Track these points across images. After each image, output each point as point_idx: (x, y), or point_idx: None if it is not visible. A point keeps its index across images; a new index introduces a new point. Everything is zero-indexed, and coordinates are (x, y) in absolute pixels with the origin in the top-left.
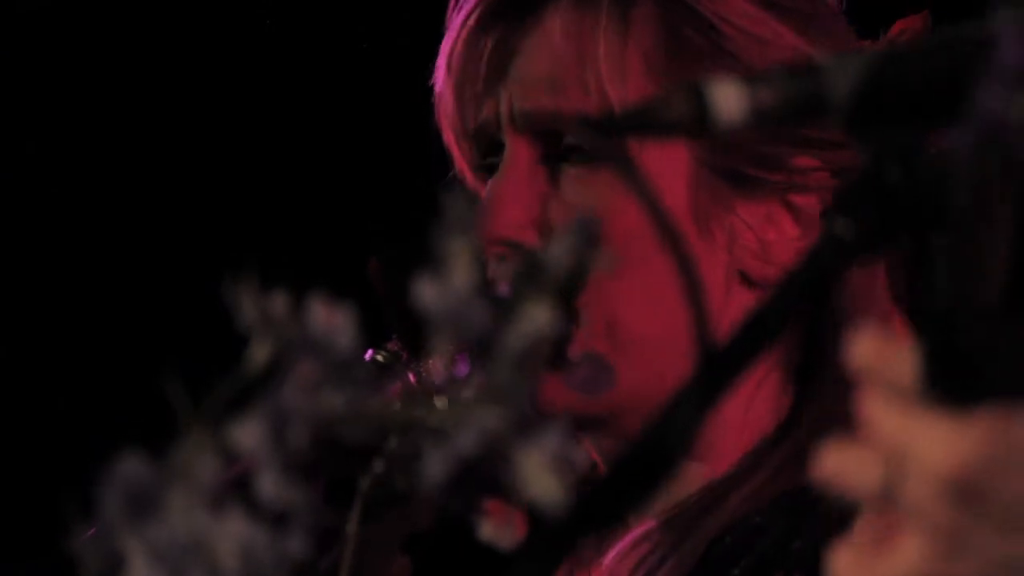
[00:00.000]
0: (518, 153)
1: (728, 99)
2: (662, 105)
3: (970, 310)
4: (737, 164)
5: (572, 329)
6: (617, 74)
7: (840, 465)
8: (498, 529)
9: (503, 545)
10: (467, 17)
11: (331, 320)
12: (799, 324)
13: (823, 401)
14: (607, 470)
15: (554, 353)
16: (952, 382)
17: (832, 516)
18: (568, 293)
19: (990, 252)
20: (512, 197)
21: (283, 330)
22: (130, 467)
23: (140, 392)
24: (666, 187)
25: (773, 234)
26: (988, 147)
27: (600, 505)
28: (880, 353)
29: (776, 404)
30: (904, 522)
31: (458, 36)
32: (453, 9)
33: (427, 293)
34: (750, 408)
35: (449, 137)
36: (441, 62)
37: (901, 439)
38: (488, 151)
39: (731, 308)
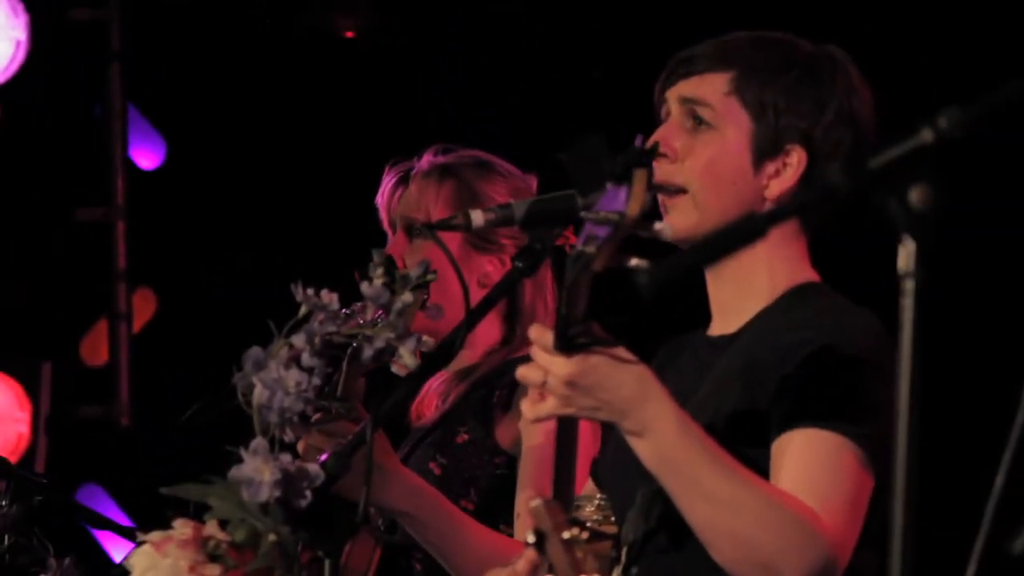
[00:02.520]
0: (398, 234)
1: (477, 216)
2: (453, 219)
3: (574, 317)
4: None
5: (427, 297)
6: (434, 208)
7: (524, 372)
8: None
9: None
10: (384, 184)
11: (331, 297)
12: (509, 300)
13: (521, 333)
14: (433, 351)
15: (421, 305)
16: (566, 342)
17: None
18: (417, 286)
19: (582, 295)
20: (392, 251)
21: (312, 301)
22: (255, 350)
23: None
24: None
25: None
26: (578, 258)
27: (429, 364)
28: (539, 330)
29: (500, 330)
30: (548, 394)
31: (383, 188)
32: (386, 175)
33: (366, 289)
34: (489, 331)
35: (384, 221)
36: (379, 197)
37: (546, 363)
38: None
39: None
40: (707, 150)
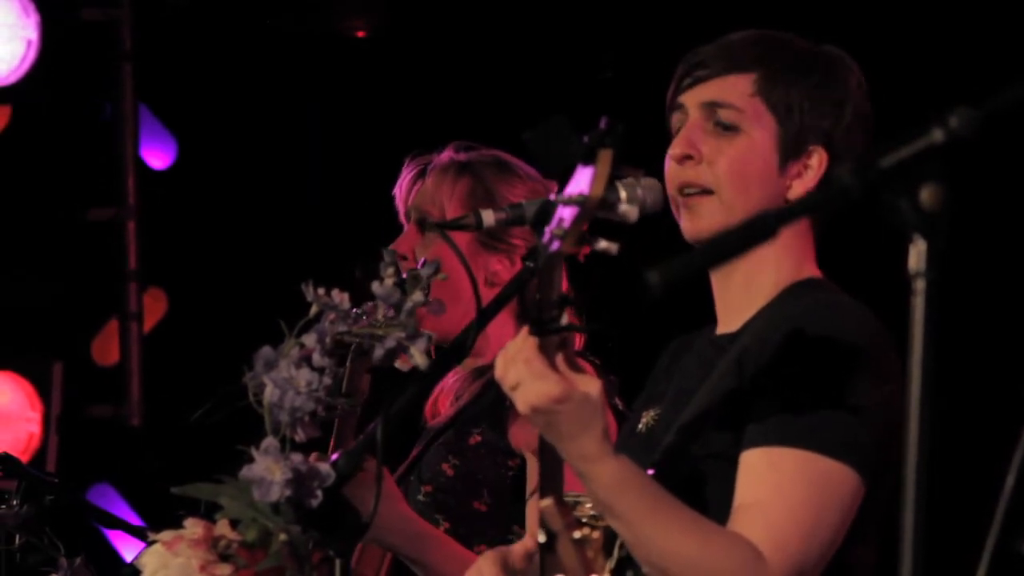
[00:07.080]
0: (410, 227)
1: (488, 216)
2: (464, 218)
3: (549, 301)
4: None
5: (428, 296)
6: (448, 204)
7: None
8: None
9: None
10: (403, 176)
11: (342, 296)
12: (521, 299)
13: None
14: (444, 350)
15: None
16: (539, 327)
17: None
18: (428, 286)
19: (555, 279)
20: (402, 244)
21: (323, 301)
22: (266, 350)
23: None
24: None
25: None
26: (546, 248)
27: (440, 363)
28: (523, 336)
29: (513, 329)
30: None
31: (401, 180)
32: (405, 167)
33: (377, 288)
34: (502, 330)
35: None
36: (396, 188)
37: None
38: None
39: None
40: (734, 152)
